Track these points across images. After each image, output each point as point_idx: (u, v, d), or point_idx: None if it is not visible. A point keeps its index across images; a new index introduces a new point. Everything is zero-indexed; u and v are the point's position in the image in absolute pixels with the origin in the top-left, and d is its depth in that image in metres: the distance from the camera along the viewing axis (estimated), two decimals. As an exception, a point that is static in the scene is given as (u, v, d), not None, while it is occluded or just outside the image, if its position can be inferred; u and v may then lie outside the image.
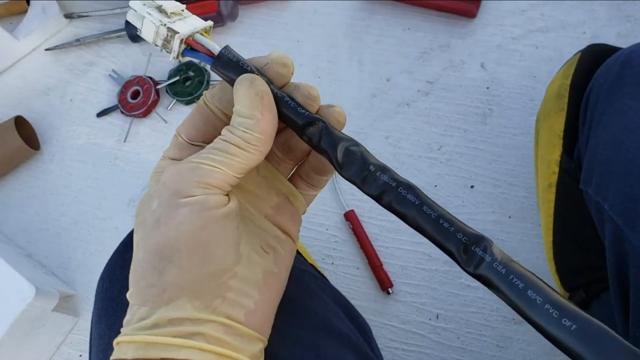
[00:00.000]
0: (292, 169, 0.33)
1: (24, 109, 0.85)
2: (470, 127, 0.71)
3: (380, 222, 0.68)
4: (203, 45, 0.29)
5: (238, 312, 0.27)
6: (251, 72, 0.28)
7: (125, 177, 0.78)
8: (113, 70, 0.85)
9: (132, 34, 0.85)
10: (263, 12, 0.85)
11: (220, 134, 0.27)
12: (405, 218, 0.26)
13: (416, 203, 0.26)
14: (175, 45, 0.28)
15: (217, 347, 0.25)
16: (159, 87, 0.81)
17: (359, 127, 0.74)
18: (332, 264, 0.67)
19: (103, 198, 0.77)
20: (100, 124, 0.82)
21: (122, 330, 0.27)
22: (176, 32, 0.28)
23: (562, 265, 0.53)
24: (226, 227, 0.26)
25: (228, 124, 0.27)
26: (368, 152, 0.28)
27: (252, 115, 0.26)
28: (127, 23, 0.85)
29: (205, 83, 0.80)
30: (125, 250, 0.40)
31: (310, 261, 0.61)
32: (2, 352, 0.61)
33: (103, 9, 0.89)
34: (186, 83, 0.81)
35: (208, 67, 0.30)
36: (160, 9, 0.29)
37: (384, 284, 0.64)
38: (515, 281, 0.23)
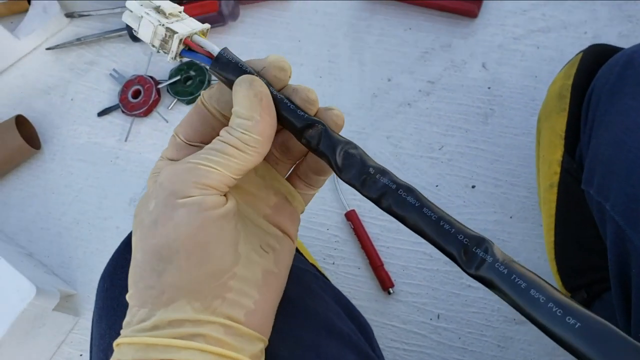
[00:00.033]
0: (290, 169, 0.33)
1: (24, 108, 0.85)
2: (471, 127, 0.71)
3: (381, 222, 0.68)
4: (202, 47, 0.29)
5: (238, 313, 0.27)
6: (250, 73, 0.28)
7: (126, 177, 0.78)
8: (114, 70, 0.85)
9: (133, 34, 0.85)
10: (264, 12, 0.85)
11: (218, 135, 0.27)
12: (405, 220, 0.26)
13: (416, 205, 0.26)
14: (174, 45, 0.28)
15: (218, 348, 0.25)
16: (160, 86, 0.81)
17: (360, 127, 0.74)
18: (333, 263, 0.67)
19: (104, 197, 0.77)
20: (101, 124, 0.82)
21: (121, 331, 0.27)
22: (175, 32, 0.28)
23: (563, 266, 0.53)
24: (224, 228, 0.26)
25: (226, 125, 0.27)
26: (367, 154, 0.28)
27: (251, 117, 0.26)
28: (128, 22, 0.85)
29: (206, 82, 0.80)
30: (126, 249, 0.39)
31: (311, 261, 0.61)
32: (3, 352, 0.61)
33: (104, 8, 0.89)
34: (187, 82, 0.81)
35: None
36: (158, 10, 0.29)
37: (385, 284, 0.64)
38: (518, 281, 0.23)
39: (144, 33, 0.29)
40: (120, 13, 0.89)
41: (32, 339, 0.64)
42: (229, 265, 0.27)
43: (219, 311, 0.26)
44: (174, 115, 0.81)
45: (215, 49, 0.29)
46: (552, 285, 0.23)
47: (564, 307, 0.22)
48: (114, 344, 0.27)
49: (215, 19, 0.81)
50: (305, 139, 0.28)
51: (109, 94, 0.84)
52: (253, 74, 0.28)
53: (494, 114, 0.71)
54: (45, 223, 0.77)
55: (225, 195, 0.27)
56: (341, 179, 0.28)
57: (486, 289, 0.24)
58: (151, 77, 0.81)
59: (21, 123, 0.80)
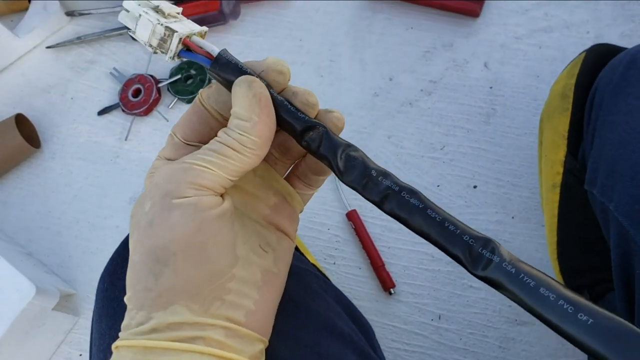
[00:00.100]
0: (289, 168, 0.33)
1: (24, 107, 0.85)
2: (473, 127, 0.71)
3: (382, 222, 0.68)
4: (201, 47, 0.29)
5: (237, 314, 0.27)
6: (250, 74, 0.27)
7: (126, 176, 0.78)
8: (114, 68, 0.85)
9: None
10: (265, 11, 0.85)
11: (216, 135, 0.27)
12: (409, 223, 0.26)
13: (420, 207, 0.25)
14: (174, 44, 0.28)
15: (218, 350, 0.25)
16: (160, 85, 0.81)
17: (361, 126, 0.73)
18: (334, 263, 0.67)
19: (104, 196, 0.77)
20: (101, 122, 0.82)
21: (120, 334, 0.27)
22: (175, 31, 0.28)
23: (566, 266, 0.53)
24: (221, 229, 0.26)
25: (224, 125, 0.27)
26: (368, 157, 0.28)
27: (250, 118, 0.26)
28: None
29: (206, 81, 0.80)
30: (126, 249, 0.39)
31: (311, 261, 0.60)
32: (2, 351, 0.60)
33: (104, 6, 0.89)
34: (188, 81, 0.80)
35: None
36: (156, 9, 0.29)
37: (386, 284, 0.64)
38: (526, 280, 0.23)
39: (141, 32, 0.29)
40: (120, 12, 0.88)
41: (32, 338, 0.64)
42: (227, 267, 0.26)
43: (218, 313, 0.26)
44: (174, 115, 0.80)
45: (214, 50, 0.28)
46: (561, 283, 0.23)
47: (575, 304, 0.22)
48: (113, 346, 0.26)
49: (216, 17, 0.81)
50: (306, 142, 0.28)
51: (109, 93, 0.84)
52: (253, 75, 0.27)
53: (496, 113, 0.71)
54: (45, 222, 0.77)
55: (222, 195, 0.27)
56: (343, 182, 0.27)
57: (487, 289, 0.24)
58: (151, 76, 0.81)
59: (21, 122, 0.80)
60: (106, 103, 0.83)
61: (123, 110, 0.80)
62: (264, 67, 0.28)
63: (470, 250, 0.24)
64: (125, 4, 0.29)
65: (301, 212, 0.33)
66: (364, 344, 0.38)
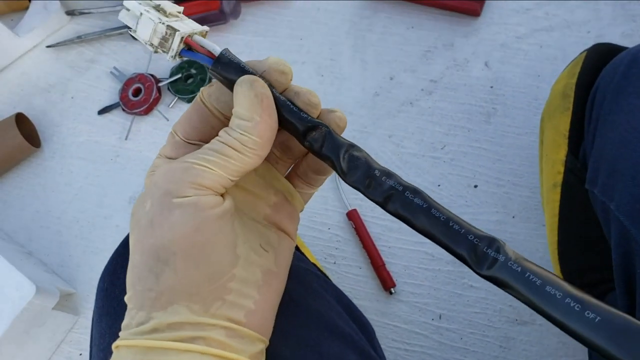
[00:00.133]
0: (290, 167, 0.33)
1: (24, 106, 0.85)
2: (474, 126, 0.71)
3: (382, 221, 0.68)
4: (202, 46, 0.28)
5: (238, 314, 0.26)
6: (252, 74, 0.27)
7: (126, 175, 0.78)
8: (114, 68, 0.84)
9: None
10: (266, 10, 0.85)
11: (217, 134, 0.27)
12: (413, 223, 0.26)
13: (424, 207, 0.25)
14: (175, 43, 0.28)
15: (219, 350, 0.25)
16: (160, 84, 0.80)
17: (362, 125, 0.73)
18: (335, 263, 0.67)
19: (104, 196, 0.77)
20: (102, 122, 0.82)
21: (120, 334, 0.26)
22: (176, 30, 0.28)
23: (566, 266, 0.53)
24: (221, 228, 0.26)
25: (226, 124, 0.27)
26: (371, 157, 0.27)
27: (251, 118, 0.26)
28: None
29: (207, 81, 0.80)
30: (126, 249, 0.39)
31: (312, 260, 0.60)
32: (2, 350, 0.60)
33: (104, 6, 0.89)
34: (188, 81, 0.80)
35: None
36: (158, 8, 0.29)
37: (387, 283, 0.64)
38: (532, 278, 0.23)
39: (142, 31, 0.28)
40: (120, 11, 0.88)
41: (32, 337, 0.64)
42: (227, 267, 0.26)
43: (218, 313, 0.26)
44: (174, 114, 0.80)
45: (216, 49, 0.28)
46: (567, 281, 0.23)
47: (582, 302, 0.22)
48: (113, 346, 0.26)
49: (217, 17, 0.81)
50: (308, 142, 0.27)
51: (109, 92, 0.84)
52: (255, 74, 0.27)
53: (496, 113, 0.71)
54: (45, 221, 0.77)
55: (222, 195, 0.27)
56: (346, 182, 0.27)
57: (488, 289, 0.24)
58: (152, 75, 0.81)
59: (21, 121, 0.80)
60: (106, 102, 0.83)
61: (123, 110, 0.80)
62: (266, 67, 0.28)
63: (475, 250, 0.24)
64: (126, 2, 0.29)
65: (302, 211, 0.33)
66: (365, 344, 0.38)
